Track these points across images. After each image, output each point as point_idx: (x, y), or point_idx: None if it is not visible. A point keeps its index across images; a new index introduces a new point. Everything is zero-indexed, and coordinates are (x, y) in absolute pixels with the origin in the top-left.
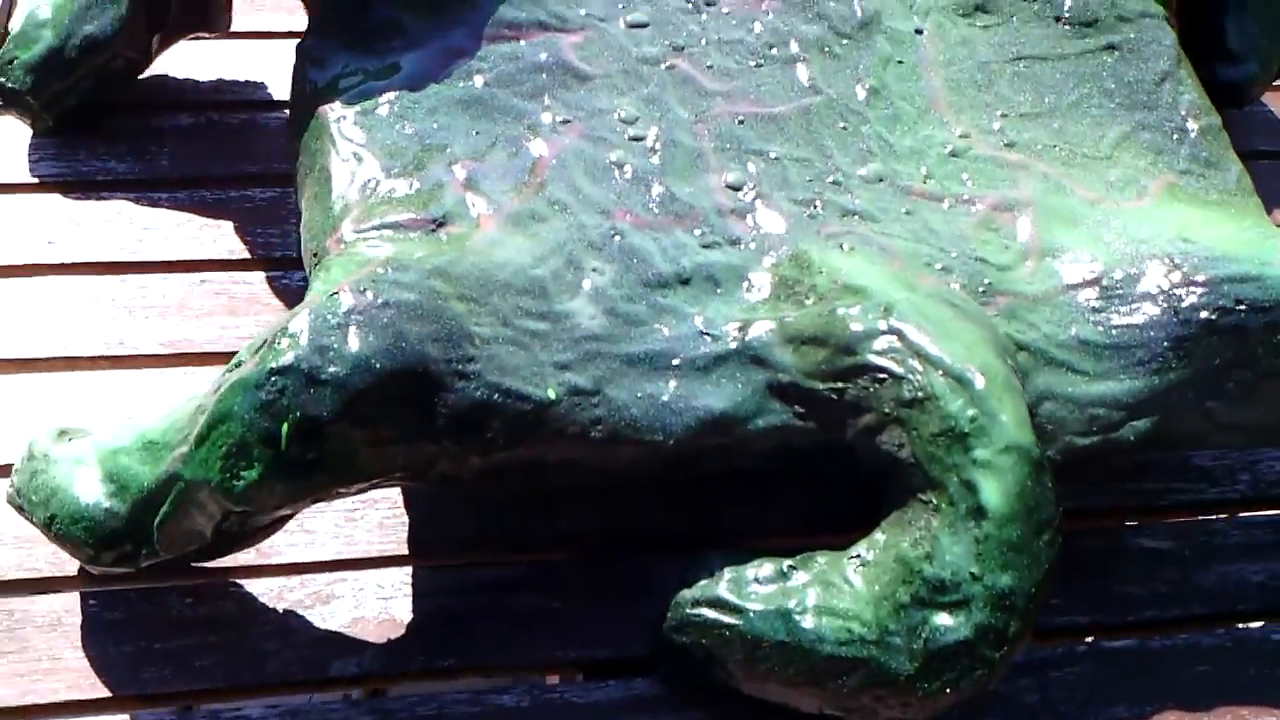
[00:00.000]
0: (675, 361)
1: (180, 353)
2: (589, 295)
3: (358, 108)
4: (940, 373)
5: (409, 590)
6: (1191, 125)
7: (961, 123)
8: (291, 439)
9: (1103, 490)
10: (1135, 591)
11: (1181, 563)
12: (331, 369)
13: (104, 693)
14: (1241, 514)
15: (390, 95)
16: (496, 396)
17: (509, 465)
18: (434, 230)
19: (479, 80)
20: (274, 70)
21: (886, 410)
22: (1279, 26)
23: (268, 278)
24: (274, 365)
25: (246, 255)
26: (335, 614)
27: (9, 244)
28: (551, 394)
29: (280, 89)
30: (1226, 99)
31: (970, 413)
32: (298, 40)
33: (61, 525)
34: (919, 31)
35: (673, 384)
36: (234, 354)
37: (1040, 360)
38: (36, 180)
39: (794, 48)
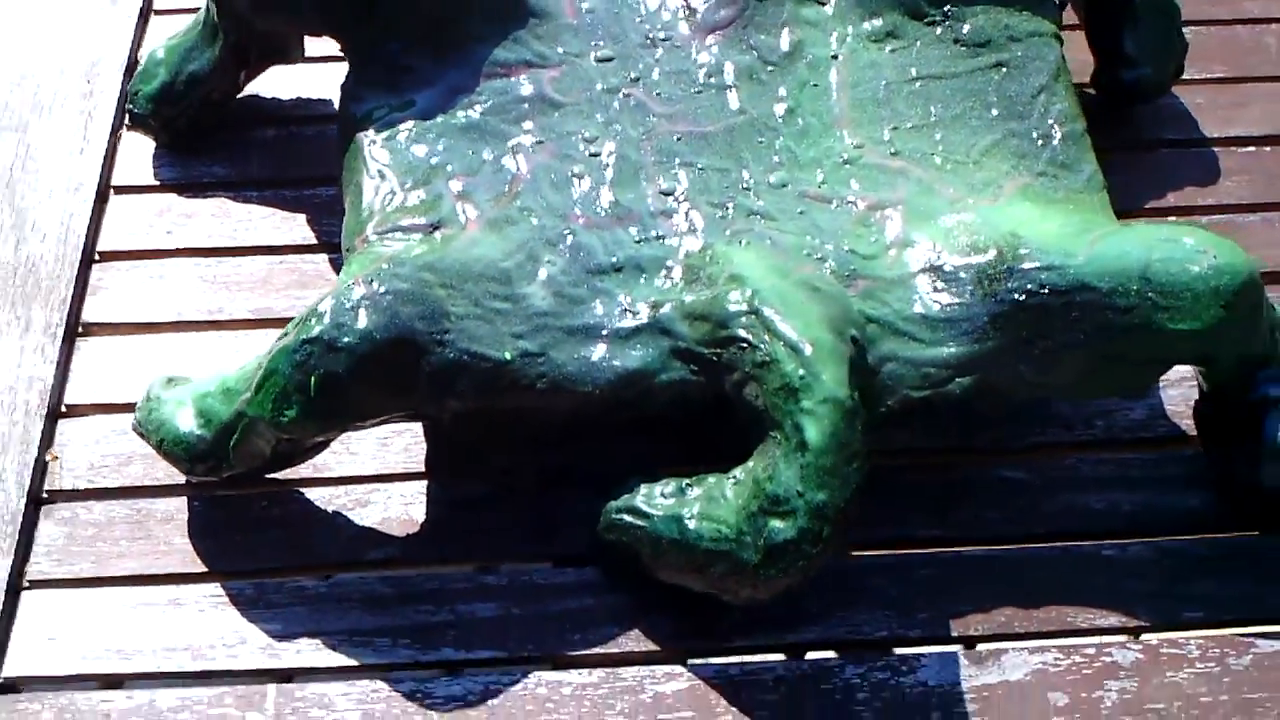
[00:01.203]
0: (604, 332)
1: (264, 318)
2: (543, 282)
3: (383, 135)
4: (782, 343)
5: (424, 499)
6: (1056, 132)
7: (858, 135)
8: (318, 389)
9: (975, 434)
10: (990, 514)
11: (1033, 491)
12: (345, 339)
13: (202, 568)
14: (1092, 453)
15: (408, 124)
16: (465, 358)
17: (477, 409)
18: (431, 232)
19: (476, 110)
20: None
21: (748, 370)
22: (1168, 36)
23: (330, 259)
24: (305, 337)
25: (314, 241)
26: (370, 515)
27: (139, 233)
28: (508, 355)
29: None
30: (1131, 98)
31: (800, 373)
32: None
33: (168, 446)
34: (835, 57)
35: (601, 348)
36: None
37: (888, 331)
38: (159, 183)
39: (728, 76)
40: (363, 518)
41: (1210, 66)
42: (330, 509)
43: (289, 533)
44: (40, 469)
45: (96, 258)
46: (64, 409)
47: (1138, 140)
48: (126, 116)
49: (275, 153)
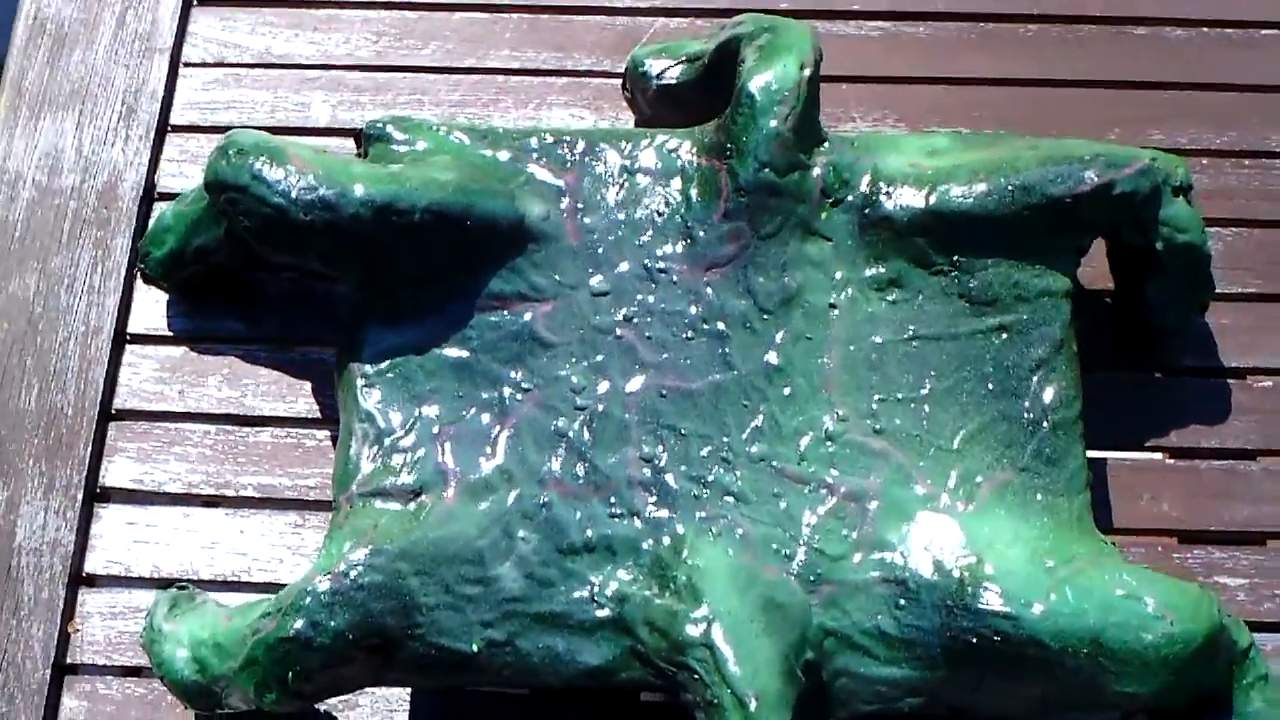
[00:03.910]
0: (570, 622)
1: (266, 497)
2: (515, 561)
3: (375, 368)
4: (730, 691)
5: (407, 705)
6: (1048, 419)
7: (845, 404)
8: (295, 680)
9: None
10: None
11: None
12: (319, 639)
13: None
14: None
15: (400, 358)
16: (434, 652)
17: (446, 685)
18: (412, 499)
19: (468, 347)
20: None
21: (698, 700)
22: (1194, 282)
23: (330, 435)
24: (282, 635)
25: (319, 414)
26: (359, 717)
27: (153, 392)
28: (475, 648)
29: None
30: (1148, 333)
31: None
32: None
33: (167, 681)
34: (833, 307)
35: (565, 641)
36: (301, 500)
37: (845, 644)
38: (171, 333)
39: (721, 323)
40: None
41: (1242, 278)
42: (321, 709)
43: None
44: (64, 639)
45: (114, 414)
46: (84, 576)
47: (1149, 364)
48: (139, 274)
49: (285, 308)
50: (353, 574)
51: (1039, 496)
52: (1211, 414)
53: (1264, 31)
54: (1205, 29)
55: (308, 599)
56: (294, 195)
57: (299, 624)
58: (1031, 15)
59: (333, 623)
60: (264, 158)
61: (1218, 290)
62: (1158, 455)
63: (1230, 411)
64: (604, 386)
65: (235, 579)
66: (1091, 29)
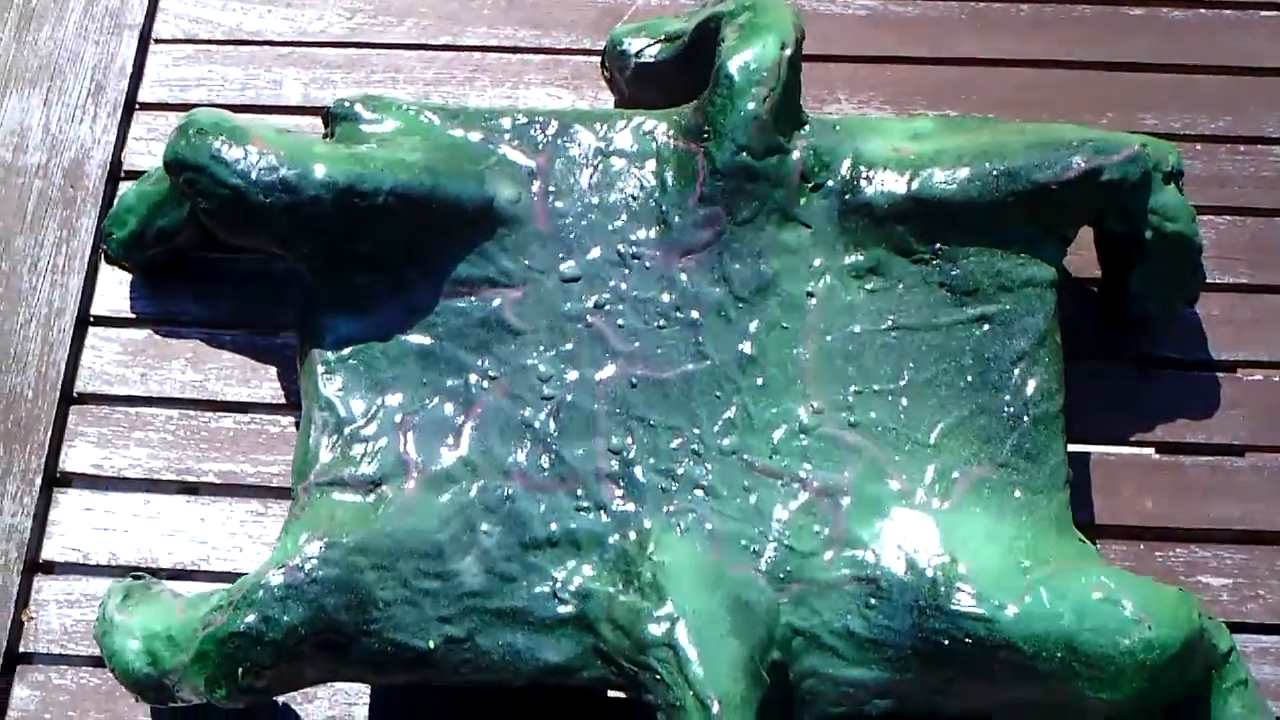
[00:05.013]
0: (531, 618)
1: (230, 484)
2: (476, 555)
3: (336, 355)
4: (692, 693)
5: (366, 698)
6: (1028, 413)
7: (820, 395)
8: (244, 676)
9: None
10: None
11: None
12: (271, 634)
13: None
14: None
15: (362, 347)
16: (389, 649)
17: (400, 682)
18: (371, 490)
19: (433, 333)
20: None
21: (660, 702)
22: (1182, 273)
23: (295, 421)
24: (233, 630)
25: (283, 400)
26: (315, 713)
27: (115, 375)
28: (431, 644)
29: None
30: (1132, 323)
31: None
32: None
33: (118, 674)
34: (810, 295)
35: (525, 638)
36: (263, 488)
37: (813, 644)
38: (135, 315)
39: (695, 311)
40: (309, 714)
41: (1234, 268)
42: (280, 700)
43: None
44: (16, 627)
45: (75, 398)
46: (41, 563)
47: (1137, 354)
48: (102, 255)
49: (250, 291)
50: (307, 567)
51: (1017, 493)
52: (1199, 408)
53: (1263, 13)
54: (1203, 10)
55: (260, 592)
56: (253, 176)
57: (250, 618)
58: None
59: (285, 617)
60: (224, 137)
61: (1208, 280)
62: (1142, 450)
63: (1219, 405)
64: (573, 376)
65: (195, 567)
66: (1087, 9)
